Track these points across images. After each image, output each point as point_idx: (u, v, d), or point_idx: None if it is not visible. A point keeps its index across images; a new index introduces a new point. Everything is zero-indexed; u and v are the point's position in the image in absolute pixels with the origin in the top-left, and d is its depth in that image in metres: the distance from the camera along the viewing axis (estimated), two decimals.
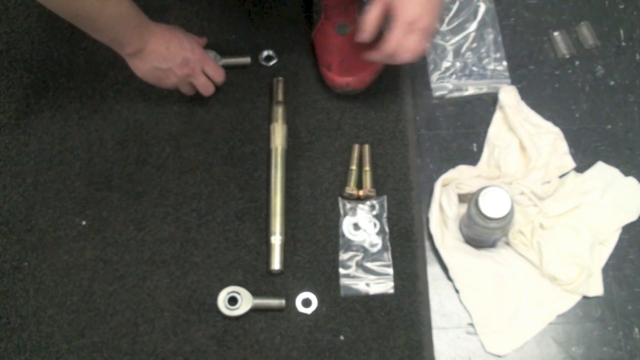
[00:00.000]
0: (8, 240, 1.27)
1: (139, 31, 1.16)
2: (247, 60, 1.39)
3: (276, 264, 1.24)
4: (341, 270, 1.25)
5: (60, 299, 1.24)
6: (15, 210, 1.29)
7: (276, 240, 1.25)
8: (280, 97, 1.35)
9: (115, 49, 1.18)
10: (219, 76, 1.32)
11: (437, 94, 1.39)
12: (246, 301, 1.22)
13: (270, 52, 1.39)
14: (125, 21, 1.13)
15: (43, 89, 1.38)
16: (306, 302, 1.23)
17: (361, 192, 1.29)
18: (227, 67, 1.35)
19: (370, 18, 1.15)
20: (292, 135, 1.34)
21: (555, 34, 1.43)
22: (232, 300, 1.22)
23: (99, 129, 1.35)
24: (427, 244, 1.29)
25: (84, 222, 1.29)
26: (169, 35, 1.21)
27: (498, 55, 1.41)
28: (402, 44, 1.13)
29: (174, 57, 1.21)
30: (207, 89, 1.30)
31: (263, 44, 1.41)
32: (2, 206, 1.29)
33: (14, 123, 1.35)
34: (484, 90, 1.39)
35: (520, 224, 1.28)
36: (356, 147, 1.32)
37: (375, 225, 1.28)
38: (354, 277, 1.25)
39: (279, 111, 1.33)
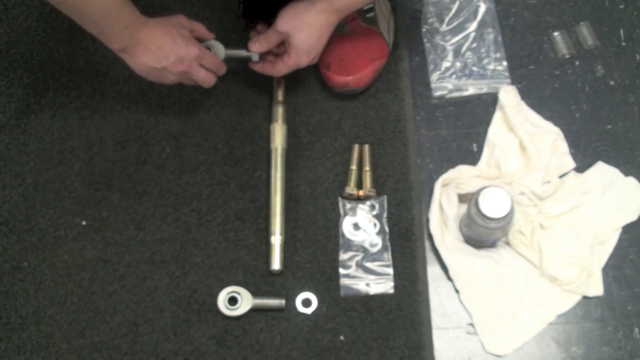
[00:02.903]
0: (8, 240, 1.27)
1: (129, 30, 1.13)
2: (251, 52, 1.36)
3: (276, 264, 1.24)
4: (341, 270, 1.25)
5: (60, 299, 1.24)
6: (15, 210, 1.29)
7: (276, 240, 1.25)
8: (280, 97, 1.35)
9: (104, 42, 1.15)
10: (219, 68, 1.28)
11: (437, 94, 1.39)
12: (246, 301, 1.22)
13: None
14: (113, 18, 1.10)
15: (43, 89, 1.37)
16: (306, 302, 1.23)
17: (361, 192, 1.29)
18: (232, 59, 1.32)
19: (270, 42, 1.27)
20: (292, 135, 1.34)
21: (555, 34, 1.43)
22: (232, 300, 1.22)
23: (99, 129, 1.35)
24: (427, 244, 1.29)
25: (84, 222, 1.29)
26: (162, 33, 1.17)
27: (498, 55, 1.41)
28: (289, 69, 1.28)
29: (167, 57, 1.17)
30: (207, 82, 1.26)
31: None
32: (2, 206, 1.29)
33: (14, 123, 1.35)
34: (484, 90, 1.39)
35: (520, 224, 1.28)
36: (356, 147, 1.32)
37: (375, 225, 1.28)
38: (354, 277, 1.25)
39: (279, 111, 1.33)
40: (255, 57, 1.31)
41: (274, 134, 1.32)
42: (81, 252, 1.27)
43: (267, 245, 1.26)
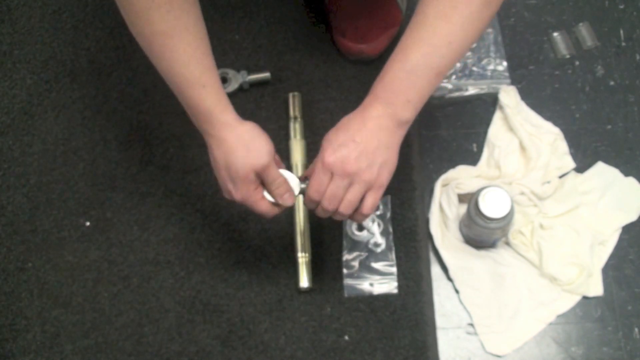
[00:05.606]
0: (12, 241, 1.27)
1: (206, 118, 1.01)
2: (267, 75, 1.37)
3: (304, 281, 1.24)
4: (345, 270, 1.26)
5: (65, 300, 1.24)
6: (19, 211, 1.29)
7: (302, 258, 1.25)
8: (296, 112, 1.34)
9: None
10: (286, 199, 1.03)
11: (437, 94, 1.39)
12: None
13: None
14: (190, 89, 1.00)
15: (46, 90, 1.37)
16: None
17: None
18: (250, 84, 1.36)
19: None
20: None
21: (555, 34, 1.44)
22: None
23: (103, 130, 1.35)
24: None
25: (88, 223, 1.29)
26: (245, 136, 1.01)
27: (498, 55, 1.42)
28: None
29: (233, 162, 1.00)
30: (266, 212, 1.04)
31: (266, 44, 1.41)
32: (6, 207, 1.29)
33: (17, 124, 1.35)
34: (484, 90, 1.39)
35: (520, 224, 1.28)
36: None
37: (379, 225, 1.28)
38: (358, 277, 1.25)
39: (296, 127, 1.33)
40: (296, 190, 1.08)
41: (293, 151, 1.31)
42: (85, 253, 1.27)
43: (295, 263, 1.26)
